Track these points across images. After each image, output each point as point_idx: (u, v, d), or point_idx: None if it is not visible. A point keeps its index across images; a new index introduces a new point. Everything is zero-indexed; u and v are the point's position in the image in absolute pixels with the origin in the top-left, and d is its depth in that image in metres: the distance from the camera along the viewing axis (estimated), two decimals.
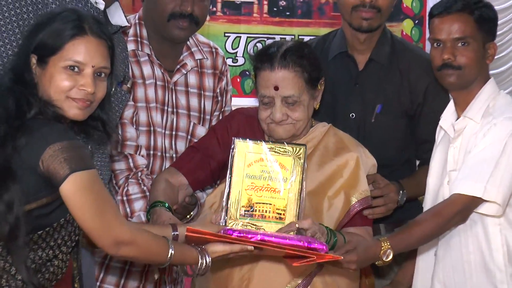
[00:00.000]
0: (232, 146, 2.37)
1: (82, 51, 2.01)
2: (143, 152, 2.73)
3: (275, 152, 2.37)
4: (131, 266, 2.67)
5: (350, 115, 2.82)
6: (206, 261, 2.12)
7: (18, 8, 2.23)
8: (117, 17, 2.48)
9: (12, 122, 1.96)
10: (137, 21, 2.80)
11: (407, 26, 5.10)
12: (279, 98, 2.42)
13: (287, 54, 2.43)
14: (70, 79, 2.00)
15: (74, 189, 1.93)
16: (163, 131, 2.77)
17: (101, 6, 2.37)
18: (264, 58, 2.46)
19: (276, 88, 2.42)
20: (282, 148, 2.38)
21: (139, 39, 2.77)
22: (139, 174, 2.70)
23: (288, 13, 4.89)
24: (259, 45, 2.70)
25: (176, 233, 2.18)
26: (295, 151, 2.37)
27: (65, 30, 2.01)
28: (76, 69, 2.01)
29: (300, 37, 4.76)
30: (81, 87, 2.00)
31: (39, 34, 2.03)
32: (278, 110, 2.42)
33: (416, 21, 5.16)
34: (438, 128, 2.67)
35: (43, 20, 2.06)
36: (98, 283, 2.65)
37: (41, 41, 2.02)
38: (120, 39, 2.57)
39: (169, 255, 2.06)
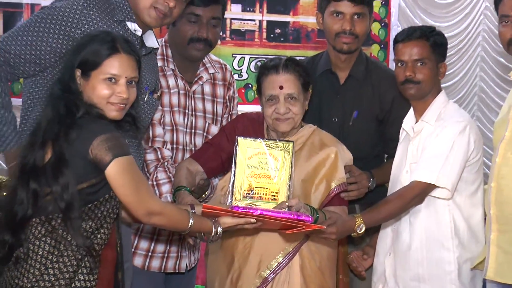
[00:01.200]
0: (236, 143, 2.41)
1: (117, 66, 2.04)
2: (168, 146, 2.73)
3: (269, 147, 2.41)
4: (158, 236, 2.68)
5: (333, 119, 2.81)
6: (218, 230, 2.15)
7: (58, 34, 2.28)
8: (151, 41, 2.51)
9: (63, 122, 1.98)
10: (163, 43, 2.80)
11: (374, 50, 5.06)
12: (283, 96, 2.46)
13: (288, 63, 2.50)
14: (109, 89, 2.03)
15: (116, 171, 1.95)
16: (184, 129, 2.77)
17: (139, 33, 2.42)
18: (270, 66, 2.52)
19: (281, 88, 2.46)
20: (275, 144, 2.42)
21: (165, 58, 2.78)
22: (166, 163, 2.70)
23: (282, 39, 4.87)
24: (259, 64, 2.74)
25: (193, 211, 2.18)
26: (285, 146, 2.41)
27: (102, 50, 2.04)
28: (113, 80, 2.03)
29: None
30: (118, 94, 2.04)
31: (82, 53, 2.04)
32: (282, 105, 2.45)
33: (382, 46, 5.13)
34: (401, 130, 2.69)
35: (83, 41, 2.09)
36: (133, 249, 2.66)
37: (83, 58, 2.03)
38: (153, 58, 2.61)
39: (189, 224, 2.09)
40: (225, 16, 2.98)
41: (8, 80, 2.38)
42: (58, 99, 2.02)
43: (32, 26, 2.28)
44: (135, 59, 2.10)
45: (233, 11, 4.75)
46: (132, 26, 2.41)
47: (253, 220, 2.17)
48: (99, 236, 2.01)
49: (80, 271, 1.96)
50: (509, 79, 2.66)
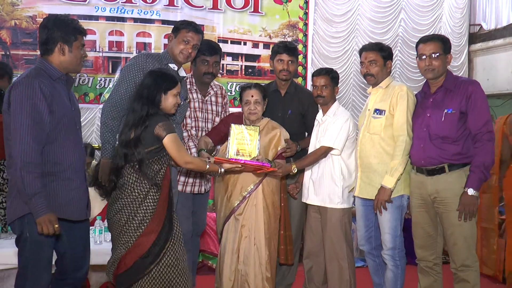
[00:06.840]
0: (230, 128, 2.41)
1: (179, 88, 2.06)
2: (194, 129, 2.67)
3: (247, 129, 2.42)
4: (189, 174, 2.61)
5: (279, 114, 2.72)
6: (221, 170, 2.19)
7: (135, 75, 2.25)
8: (182, 73, 2.47)
9: (142, 117, 1.97)
10: (190, 76, 2.72)
11: (299, 80, 5.06)
12: (253, 100, 2.45)
13: (256, 84, 2.53)
14: (176, 100, 2.03)
15: (168, 141, 1.96)
16: (202, 119, 2.70)
17: (175, 68, 2.39)
18: (247, 85, 2.53)
19: (252, 96, 2.45)
20: (249, 127, 2.44)
21: (191, 83, 2.70)
22: (193, 138, 2.64)
23: (252, 74, 4.85)
24: (240, 85, 2.75)
25: (209, 161, 2.19)
26: (255, 129, 2.43)
27: (172, 82, 2.03)
28: (177, 95, 2.03)
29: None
30: (178, 102, 2.04)
31: (164, 83, 2.01)
32: (252, 105, 2.46)
33: (303, 78, 5.12)
34: (315, 120, 2.65)
35: (161, 77, 2.03)
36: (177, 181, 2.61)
37: (166, 86, 2.01)
38: (184, 83, 2.57)
39: (206, 167, 2.13)
40: (223, 63, 2.94)
41: (119, 119, 2.23)
42: (143, 106, 1.98)
43: (124, 79, 2.25)
44: (179, 83, 2.09)
45: (227, 60, 4.73)
46: (172, 65, 2.38)
47: (239, 166, 2.23)
48: (160, 173, 2.01)
49: (151, 191, 1.98)
50: (366, 94, 2.75)
